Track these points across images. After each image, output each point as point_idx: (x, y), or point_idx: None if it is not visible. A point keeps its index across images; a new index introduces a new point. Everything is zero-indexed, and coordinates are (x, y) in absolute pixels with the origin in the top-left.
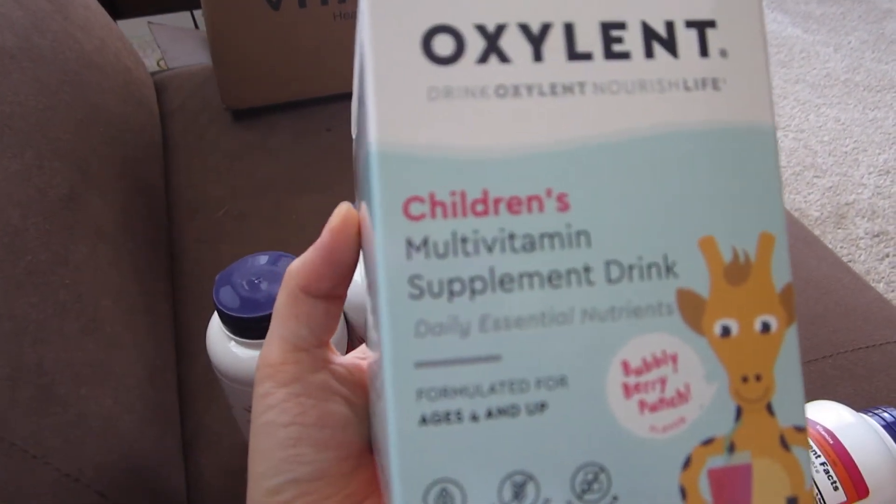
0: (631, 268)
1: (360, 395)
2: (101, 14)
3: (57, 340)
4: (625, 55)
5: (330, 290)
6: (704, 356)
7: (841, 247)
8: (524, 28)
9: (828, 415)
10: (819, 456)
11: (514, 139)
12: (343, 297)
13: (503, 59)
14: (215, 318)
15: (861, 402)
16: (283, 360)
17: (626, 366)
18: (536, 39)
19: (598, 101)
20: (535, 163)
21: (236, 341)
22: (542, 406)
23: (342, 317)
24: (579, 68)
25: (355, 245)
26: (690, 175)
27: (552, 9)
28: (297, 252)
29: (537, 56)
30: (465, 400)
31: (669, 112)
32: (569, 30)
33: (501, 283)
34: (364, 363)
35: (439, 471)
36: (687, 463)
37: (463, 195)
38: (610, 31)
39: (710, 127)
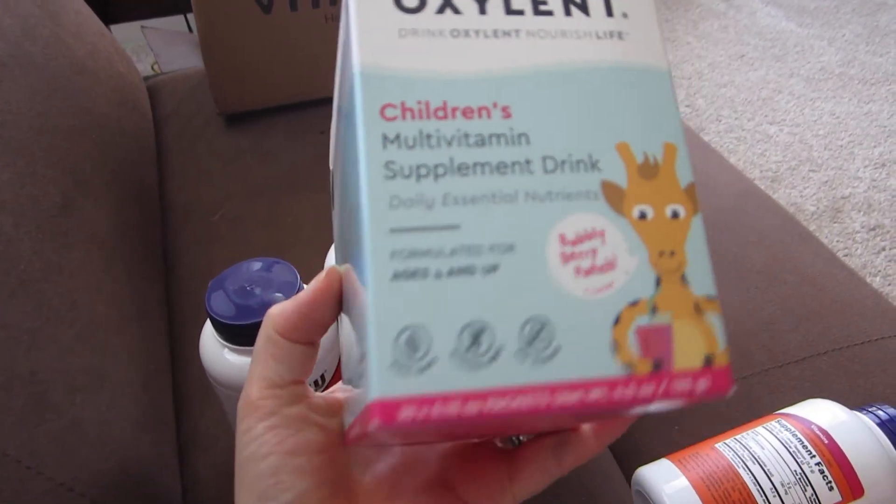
0: (563, 162)
1: (335, 422)
2: (93, 19)
3: (51, 348)
4: (549, 13)
5: (305, 339)
6: (627, 233)
7: (837, 241)
8: None
9: (822, 413)
10: (814, 456)
11: (467, 66)
12: (318, 344)
13: (455, 11)
14: (208, 324)
15: (857, 399)
16: (261, 395)
17: (562, 238)
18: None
19: (530, 42)
20: (483, 83)
21: (229, 348)
22: (494, 267)
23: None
24: (514, 20)
25: (334, 307)
26: (606, 97)
27: None
28: (293, 255)
29: (482, 10)
30: (430, 260)
31: (587, 52)
32: None
33: (459, 169)
34: (341, 395)
35: (409, 318)
36: (617, 320)
37: (427, 104)
38: None
39: (620, 65)
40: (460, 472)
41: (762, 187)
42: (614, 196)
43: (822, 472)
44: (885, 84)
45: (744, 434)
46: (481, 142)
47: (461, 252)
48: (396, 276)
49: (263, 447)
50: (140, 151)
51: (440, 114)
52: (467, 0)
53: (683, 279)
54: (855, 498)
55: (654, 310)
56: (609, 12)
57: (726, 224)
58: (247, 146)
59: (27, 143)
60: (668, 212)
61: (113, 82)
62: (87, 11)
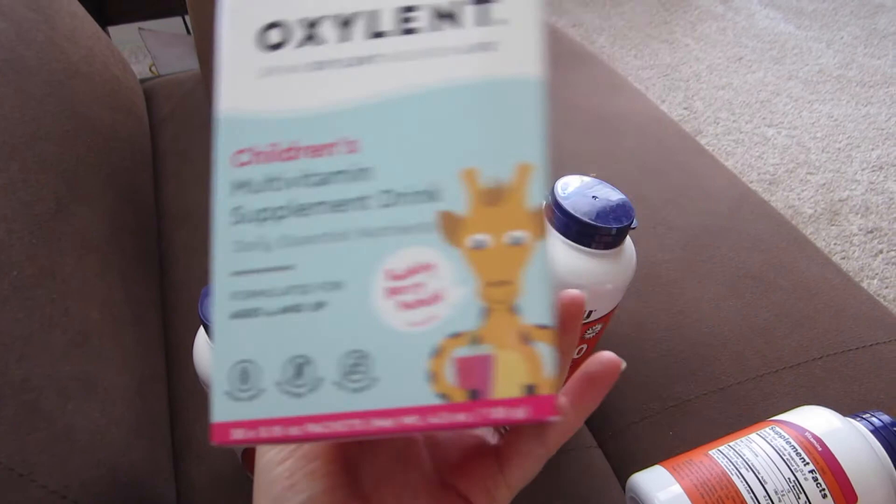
0: (402, 195)
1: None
2: (89, 22)
3: (43, 355)
4: (415, 31)
5: None
6: (457, 265)
7: (835, 244)
8: (337, 17)
9: (816, 421)
10: (808, 463)
11: (321, 100)
12: None
13: (317, 42)
14: (202, 330)
15: (851, 405)
16: None
17: (390, 273)
18: (345, 25)
19: (391, 67)
20: (335, 118)
21: None
22: (320, 304)
23: None
24: (377, 44)
25: None
26: (461, 119)
27: (362, 1)
28: None
29: (345, 37)
30: (264, 299)
31: (450, 70)
32: (373, 15)
33: (299, 210)
34: None
35: (241, 354)
36: (436, 352)
37: (277, 146)
38: (405, 13)
39: (481, 80)
40: (454, 470)
41: (760, 190)
42: (450, 226)
43: (815, 479)
44: (883, 86)
45: (738, 441)
46: (323, 181)
47: (292, 291)
48: (234, 315)
49: (281, 452)
50: (135, 155)
51: (288, 155)
52: (330, 28)
53: (514, 309)
54: None
55: (475, 341)
56: (484, 21)
57: (721, 229)
58: None
59: (20, 148)
60: (508, 239)
61: (108, 86)
62: (83, 14)
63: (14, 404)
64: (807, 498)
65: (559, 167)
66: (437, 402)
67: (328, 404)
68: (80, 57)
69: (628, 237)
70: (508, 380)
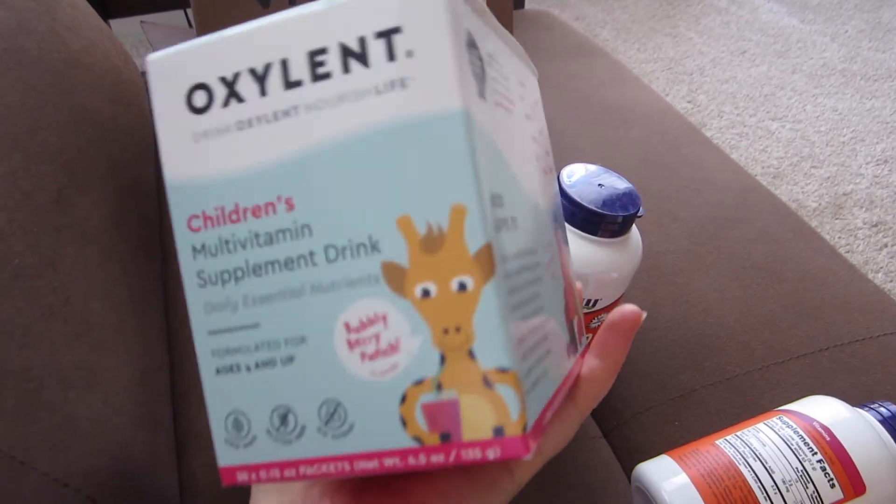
0: (344, 249)
1: None
2: (91, 14)
3: (44, 344)
4: (327, 75)
5: None
6: (408, 315)
7: (839, 237)
8: (252, 72)
9: (824, 410)
10: (816, 453)
11: (252, 159)
12: None
13: (239, 99)
14: None
15: (858, 396)
16: None
17: (347, 326)
18: (261, 78)
19: (309, 117)
20: (267, 176)
21: None
22: (290, 358)
23: None
24: (293, 94)
25: None
26: (386, 165)
27: (271, 49)
28: None
29: (263, 92)
30: (240, 355)
31: (366, 114)
32: (284, 65)
33: (254, 270)
34: None
35: (231, 405)
36: (403, 399)
37: (223, 209)
38: (315, 58)
39: (399, 122)
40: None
41: (764, 184)
42: (395, 277)
43: (823, 469)
44: (887, 80)
45: (745, 430)
46: (270, 240)
47: (263, 347)
48: (218, 370)
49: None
50: (136, 146)
51: (234, 217)
52: (249, 84)
53: (470, 354)
54: (857, 495)
55: (439, 387)
56: (391, 56)
57: (727, 220)
58: None
59: (21, 139)
60: (454, 285)
61: (109, 77)
62: (84, 5)
63: (15, 393)
64: (815, 487)
65: (564, 157)
66: (412, 444)
67: (315, 449)
68: (80, 47)
69: (634, 226)
70: (476, 423)
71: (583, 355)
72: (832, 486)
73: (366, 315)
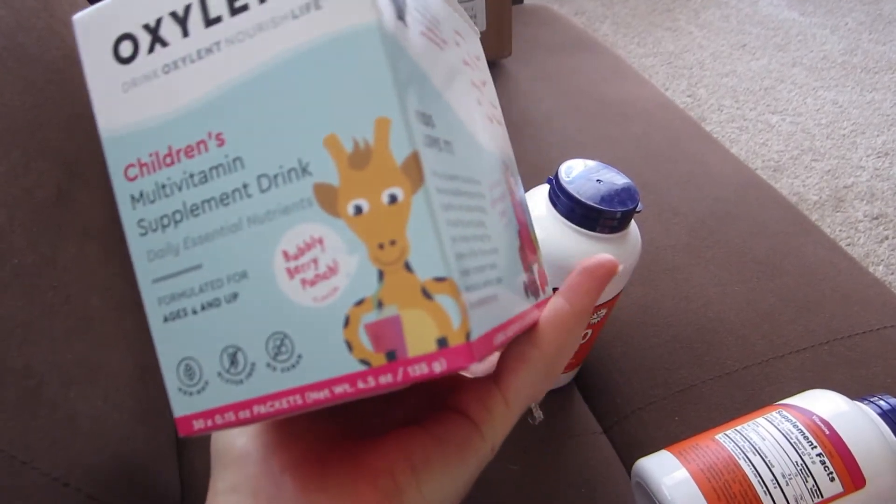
0: (276, 176)
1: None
2: None
3: (45, 342)
4: (244, 7)
5: None
6: (343, 235)
7: (840, 230)
8: (173, 15)
9: (823, 404)
10: (815, 447)
11: (180, 100)
12: None
13: (163, 44)
14: None
15: (858, 389)
16: None
17: (285, 254)
18: (182, 20)
19: (231, 51)
20: (196, 115)
21: None
22: (234, 296)
23: None
24: (214, 31)
25: None
26: (308, 87)
27: None
28: None
29: (185, 33)
30: (185, 300)
31: (283, 41)
32: (203, 3)
33: (192, 210)
34: None
35: (181, 353)
36: (346, 322)
37: (157, 154)
38: None
39: (317, 42)
40: (452, 388)
41: (764, 177)
42: (327, 197)
43: (823, 463)
44: (888, 72)
45: (744, 425)
46: (204, 178)
47: (206, 288)
48: (166, 318)
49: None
50: None
51: (168, 160)
52: (171, 27)
53: (407, 266)
54: (856, 489)
55: (379, 304)
56: None
57: (727, 214)
58: None
59: (21, 135)
60: (385, 198)
61: None
62: (83, 2)
63: (15, 391)
64: (814, 481)
65: (564, 152)
66: (360, 368)
67: (266, 386)
68: None
69: (633, 221)
70: (419, 336)
71: (543, 304)
72: (832, 479)
73: (303, 240)
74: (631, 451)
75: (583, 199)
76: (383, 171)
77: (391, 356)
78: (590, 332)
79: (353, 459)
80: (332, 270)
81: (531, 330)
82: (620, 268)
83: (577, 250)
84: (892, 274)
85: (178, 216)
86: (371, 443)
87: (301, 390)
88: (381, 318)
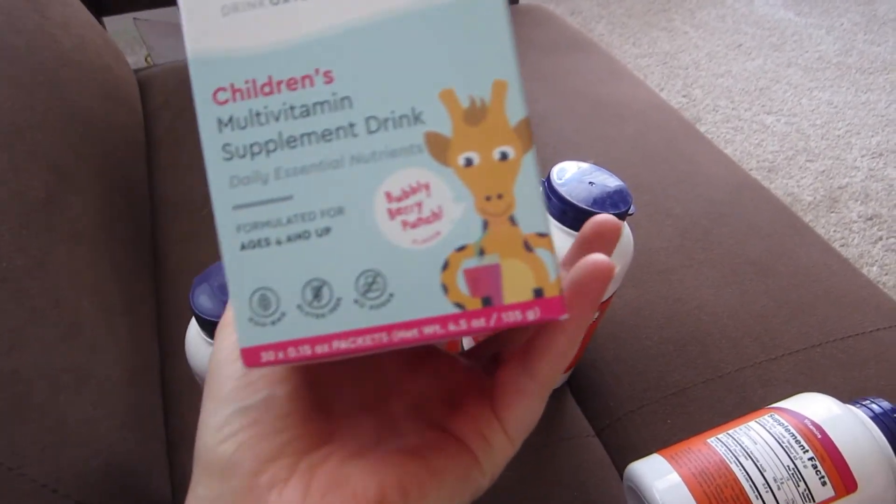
0: (386, 120)
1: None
2: (82, 11)
3: (34, 347)
4: None
5: None
6: (451, 183)
7: (834, 231)
8: None
9: (815, 407)
10: (807, 451)
11: (288, 34)
12: None
13: None
14: (194, 322)
15: (851, 392)
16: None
17: (388, 195)
18: None
19: None
20: (304, 50)
21: None
22: (327, 230)
23: None
24: None
25: None
26: (429, 41)
27: None
28: None
29: None
30: (270, 229)
31: None
32: None
33: (288, 142)
34: None
35: (258, 282)
36: (445, 265)
37: (254, 82)
38: None
39: (445, 1)
40: (444, 407)
41: (759, 177)
42: (438, 147)
43: (815, 467)
44: (882, 73)
45: (736, 429)
46: (306, 112)
47: (296, 220)
48: (244, 246)
49: (236, 350)
50: (128, 145)
51: (266, 90)
52: None
53: (512, 219)
54: (848, 493)
55: (481, 252)
56: None
57: (721, 216)
58: None
59: (10, 138)
60: (496, 154)
61: (101, 75)
62: (76, 3)
63: (4, 397)
64: (806, 485)
65: (559, 153)
66: (454, 310)
67: (351, 321)
68: (71, 45)
69: (626, 224)
70: (517, 285)
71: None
72: (823, 483)
73: (408, 184)
74: (623, 453)
75: (574, 202)
76: (497, 129)
77: (487, 301)
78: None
79: (343, 482)
80: (436, 216)
81: (527, 358)
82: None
83: None
84: (887, 274)
85: (271, 146)
86: (363, 466)
87: (389, 328)
88: (482, 265)
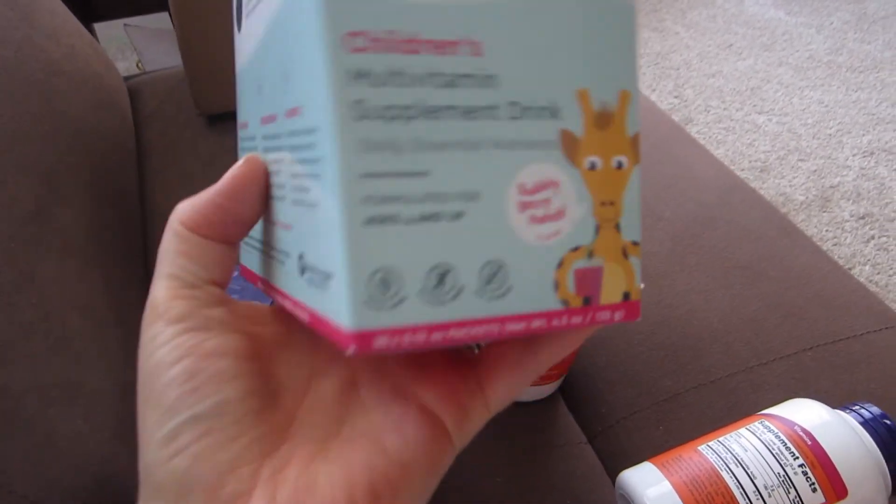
0: (527, 108)
1: (266, 330)
2: (70, 20)
3: (23, 361)
4: None
5: (221, 235)
6: (577, 184)
7: (826, 230)
8: None
9: (805, 414)
10: (797, 457)
11: None
12: (237, 245)
13: None
14: None
15: (841, 396)
16: (174, 295)
17: (522, 187)
18: None
19: None
20: (456, 12)
21: None
22: (459, 214)
23: None
24: None
25: (258, 200)
26: (575, 34)
27: None
28: None
29: None
30: (400, 206)
31: None
32: None
33: (430, 112)
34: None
35: (381, 261)
36: (560, 264)
37: (395, 34)
38: None
39: None
40: (420, 377)
41: (751, 177)
42: (570, 146)
43: (805, 473)
44: (873, 71)
45: (727, 436)
46: (451, 83)
47: (430, 199)
48: (369, 220)
49: (176, 350)
50: (119, 154)
51: (409, 47)
52: None
53: (617, 227)
54: (839, 499)
55: (590, 254)
56: None
57: (711, 219)
58: (228, 147)
59: None
60: (614, 163)
61: (91, 84)
62: (64, 11)
63: None
64: (797, 492)
65: None
66: (560, 307)
67: (469, 311)
68: (60, 55)
69: None
70: (612, 288)
71: None
72: (814, 490)
73: (540, 179)
74: (615, 460)
75: None
76: (617, 138)
77: (587, 301)
78: None
79: (311, 488)
80: (560, 214)
81: (534, 340)
82: None
83: None
84: (879, 273)
85: (411, 112)
86: (329, 470)
87: (502, 320)
88: (589, 266)
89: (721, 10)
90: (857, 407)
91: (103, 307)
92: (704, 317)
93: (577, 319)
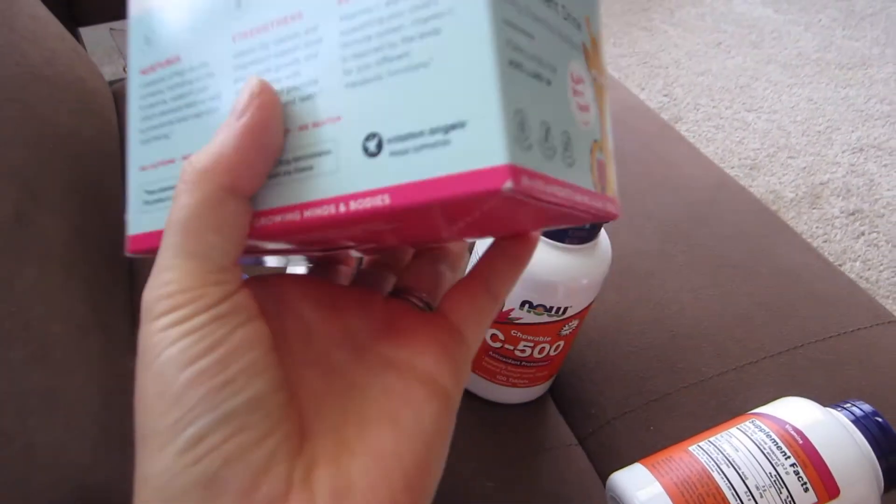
0: (570, 15)
1: (278, 310)
2: (53, 24)
3: (2, 371)
4: None
5: (257, 182)
6: (590, 88)
7: (816, 227)
8: None
9: (797, 412)
10: (789, 457)
11: None
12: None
13: None
14: None
15: (833, 393)
16: (204, 282)
17: (572, 75)
18: None
19: None
20: None
21: None
22: (549, 81)
23: None
24: None
25: (281, 124)
26: None
27: None
28: (259, 267)
29: None
30: (523, 58)
31: None
32: None
33: None
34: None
35: (518, 103)
36: (591, 150)
37: None
38: None
39: None
40: (409, 347)
41: (741, 175)
42: (587, 55)
43: (796, 473)
44: (861, 68)
45: (718, 436)
46: None
47: (534, 60)
48: (511, 63)
49: (200, 343)
50: (102, 158)
51: None
52: None
53: (607, 133)
54: (831, 498)
55: (601, 150)
56: None
57: (701, 217)
58: None
59: None
60: (601, 80)
61: (73, 88)
62: (46, 15)
63: None
64: (788, 492)
65: None
66: (594, 188)
67: (560, 172)
68: (42, 60)
69: (603, 231)
70: (610, 182)
71: None
72: (805, 489)
73: (578, 74)
74: (606, 461)
75: None
76: (600, 59)
77: (603, 189)
78: (562, 343)
79: (349, 489)
80: (587, 108)
81: (516, 251)
82: (587, 281)
83: (546, 262)
84: (869, 269)
85: None
86: (361, 467)
87: (573, 189)
88: (601, 159)
89: (710, 9)
90: (848, 405)
91: (86, 315)
92: (694, 316)
93: (598, 204)
